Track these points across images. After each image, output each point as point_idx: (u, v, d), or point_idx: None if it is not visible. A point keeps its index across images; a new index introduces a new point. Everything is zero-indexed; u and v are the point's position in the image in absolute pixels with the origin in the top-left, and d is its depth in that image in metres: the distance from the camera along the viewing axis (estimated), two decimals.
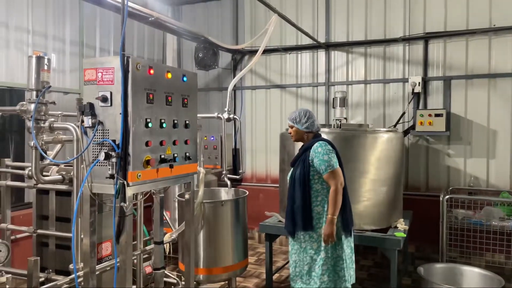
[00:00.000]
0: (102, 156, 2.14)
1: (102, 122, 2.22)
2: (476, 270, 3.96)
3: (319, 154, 3.05)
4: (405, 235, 3.90)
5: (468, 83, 5.21)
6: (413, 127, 5.26)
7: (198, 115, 3.87)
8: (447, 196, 4.46)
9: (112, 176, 2.18)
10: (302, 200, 3.06)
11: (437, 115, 5.06)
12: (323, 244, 3.02)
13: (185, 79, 2.63)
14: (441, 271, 4.07)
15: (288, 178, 3.27)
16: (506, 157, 5.00)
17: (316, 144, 3.11)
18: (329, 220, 2.97)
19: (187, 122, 2.65)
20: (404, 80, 5.49)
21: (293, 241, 3.19)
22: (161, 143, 2.40)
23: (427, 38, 5.38)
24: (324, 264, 3.02)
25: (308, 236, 3.09)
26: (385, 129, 4.41)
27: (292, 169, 3.25)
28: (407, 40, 5.48)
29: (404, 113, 5.43)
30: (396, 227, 4.11)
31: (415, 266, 4.62)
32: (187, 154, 2.65)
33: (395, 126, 5.30)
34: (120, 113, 2.16)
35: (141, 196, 2.95)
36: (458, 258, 4.51)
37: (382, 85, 5.68)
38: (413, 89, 5.30)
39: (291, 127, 3.26)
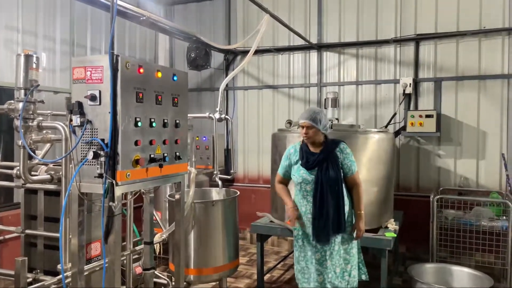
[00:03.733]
0: (90, 155, 2.13)
1: (91, 121, 2.20)
2: (466, 270, 4.00)
3: (349, 155, 3.14)
4: (395, 235, 3.91)
5: (459, 84, 5.25)
6: (404, 128, 5.29)
7: (189, 115, 3.87)
8: (437, 197, 4.49)
9: (100, 176, 2.16)
10: (337, 203, 3.05)
11: (427, 116, 5.10)
12: (353, 241, 3.16)
13: (175, 78, 2.62)
14: (432, 271, 4.10)
15: (303, 181, 3.10)
16: (496, 158, 5.05)
17: (343, 145, 3.16)
18: (362, 216, 3.12)
19: (177, 121, 2.63)
20: (395, 81, 5.52)
21: (325, 247, 3.10)
22: (150, 143, 2.39)
23: (418, 39, 5.41)
24: (355, 260, 3.18)
25: (340, 237, 3.11)
26: (376, 130, 4.43)
27: (309, 172, 3.08)
28: (398, 41, 5.51)
29: (395, 114, 5.46)
30: (386, 227, 4.13)
31: (405, 266, 4.64)
32: (177, 153, 2.63)
33: (386, 126, 5.33)
34: (109, 112, 2.15)
35: (131, 196, 2.94)
36: (448, 258, 4.53)
37: (374, 86, 5.70)
38: (404, 90, 5.33)
39: (309, 127, 3.06)
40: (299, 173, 3.12)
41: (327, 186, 3.01)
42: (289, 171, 3.23)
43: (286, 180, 3.32)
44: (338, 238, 3.10)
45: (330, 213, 3.02)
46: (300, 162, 3.14)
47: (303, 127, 3.09)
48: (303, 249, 3.19)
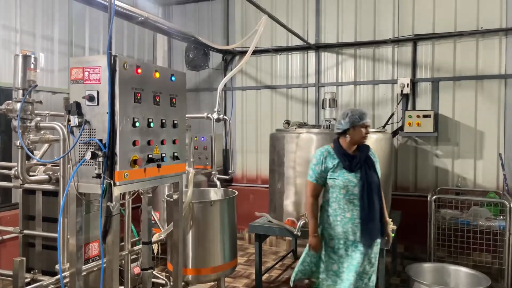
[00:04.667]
0: (88, 155, 2.13)
1: (89, 121, 2.21)
2: (464, 269, 4.00)
3: (377, 159, 3.20)
4: (393, 235, 3.92)
5: (456, 84, 5.27)
6: (401, 128, 5.30)
7: (187, 115, 3.87)
8: (434, 197, 4.51)
9: (98, 176, 2.17)
10: (380, 205, 3.08)
11: (425, 116, 5.11)
12: (379, 246, 3.18)
13: (173, 78, 2.63)
14: (429, 271, 4.10)
15: (350, 184, 3.01)
16: (493, 158, 5.06)
17: (371, 149, 3.19)
18: (390, 222, 3.22)
19: (175, 121, 2.64)
20: (393, 82, 5.54)
21: (369, 250, 3.05)
22: (148, 143, 2.39)
23: (416, 40, 5.43)
24: (376, 264, 3.18)
25: (377, 241, 3.13)
26: (374, 130, 4.44)
27: (353, 174, 3.02)
28: (396, 41, 5.53)
29: (393, 114, 5.48)
30: None
31: (403, 265, 4.65)
32: (175, 154, 2.64)
33: (384, 127, 5.34)
34: (107, 112, 2.15)
35: (129, 196, 2.94)
36: (446, 257, 4.55)
37: (372, 86, 5.72)
38: (402, 91, 5.34)
39: (368, 127, 3.07)
40: (343, 176, 3.01)
41: (372, 187, 2.99)
42: (324, 176, 3.09)
43: (320, 188, 3.16)
44: (377, 241, 3.12)
45: (377, 215, 3.03)
46: (341, 165, 3.03)
47: (366, 127, 3.05)
48: (343, 259, 3.06)
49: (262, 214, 4.55)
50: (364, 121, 3.02)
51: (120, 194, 2.27)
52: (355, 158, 3.03)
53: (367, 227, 2.97)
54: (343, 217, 3.03)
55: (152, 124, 2.41)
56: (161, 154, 2.50)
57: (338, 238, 3.06)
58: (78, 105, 2.21)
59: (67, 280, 2.50)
